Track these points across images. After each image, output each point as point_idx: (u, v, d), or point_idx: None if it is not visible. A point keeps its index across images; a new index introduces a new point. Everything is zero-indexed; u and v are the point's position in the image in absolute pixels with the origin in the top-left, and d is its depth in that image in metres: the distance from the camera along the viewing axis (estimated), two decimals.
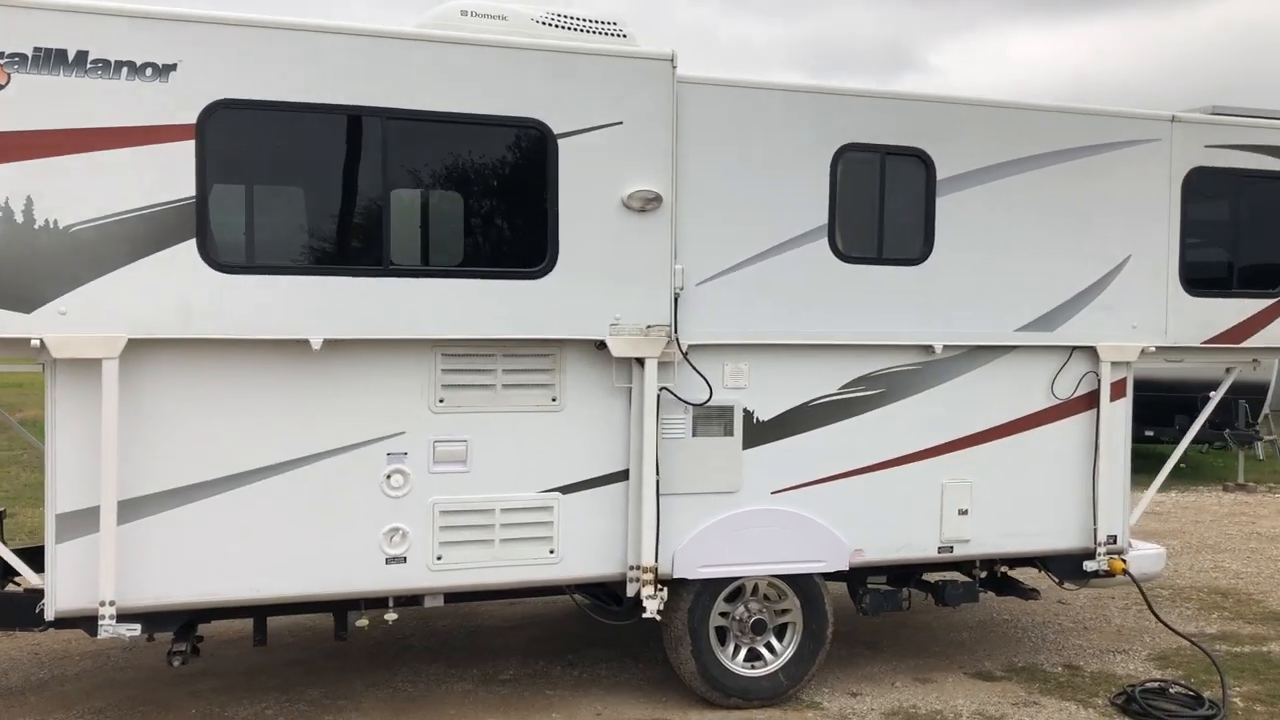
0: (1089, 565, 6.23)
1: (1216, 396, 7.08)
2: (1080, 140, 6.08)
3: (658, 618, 5.46)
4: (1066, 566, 6.31)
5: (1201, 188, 6.33)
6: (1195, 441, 15.02)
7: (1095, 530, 6.21)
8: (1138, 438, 15.35)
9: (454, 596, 5.42)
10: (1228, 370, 7.00)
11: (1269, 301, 6.50)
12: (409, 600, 5.33)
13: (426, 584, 5.20)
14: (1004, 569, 6.48)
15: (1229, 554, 9.73)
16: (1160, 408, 14.20)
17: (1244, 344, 6.49)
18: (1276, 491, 13.83)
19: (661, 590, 5.47)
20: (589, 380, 5.38)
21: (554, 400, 5.33)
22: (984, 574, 6.39)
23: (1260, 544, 10.21)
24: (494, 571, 5.28)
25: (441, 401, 5.17)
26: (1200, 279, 6.38)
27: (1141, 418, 14.38)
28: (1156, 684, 6.11)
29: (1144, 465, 15.31)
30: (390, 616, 5.29)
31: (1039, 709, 5.87)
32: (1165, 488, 13.81)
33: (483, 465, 5.24)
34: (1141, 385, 15.94)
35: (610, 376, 5.40)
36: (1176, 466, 15.93)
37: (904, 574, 6.32)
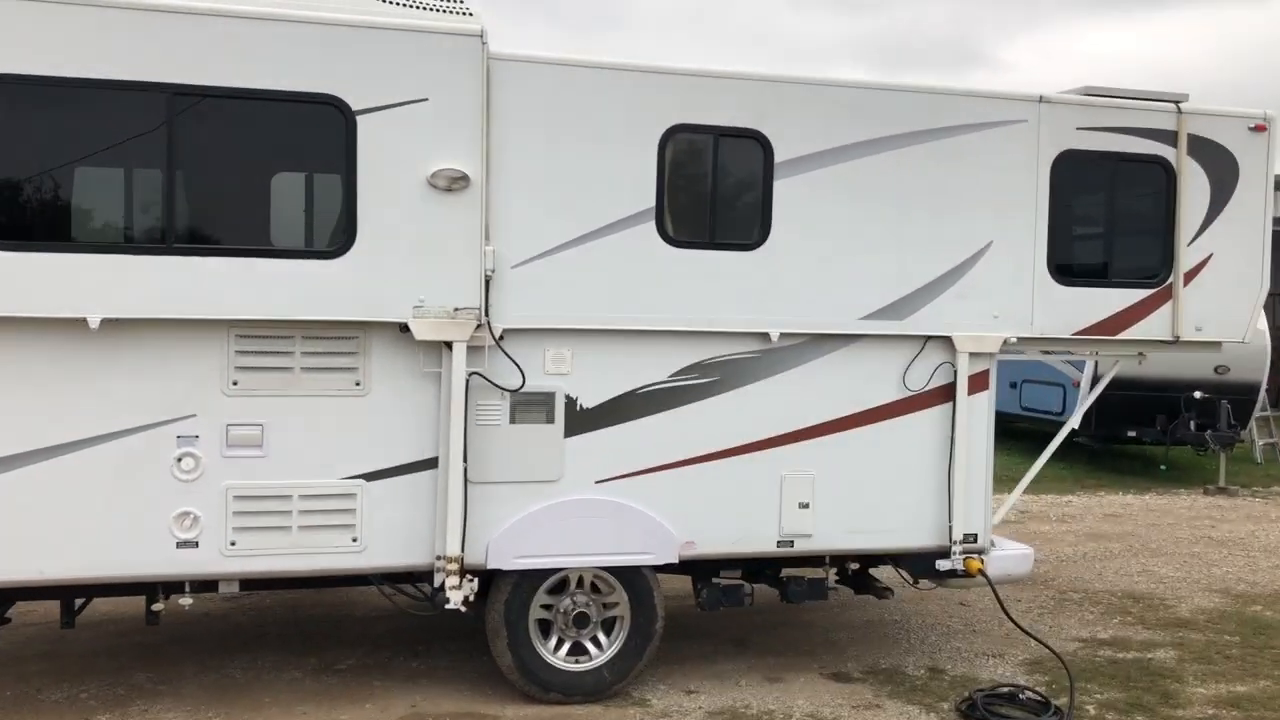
0: (942, 564, 5.98)
1: (1095, 393, 6.79)
2: (938, 121, 5.83)
3: (462, 609, 5.31)
4: (921, 565, 6.06)
5: (1073, 172, 6.05)
6: (1178, 443, 14.64)
7: (950, 528, 5.96)
8: (1119, 438, 14.95)
9: (252, 583, 5.32)
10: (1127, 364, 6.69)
11: (1147, 292, 6.20)
12: (204, 585, 5.24)
13: (219, 569, 5.11)
14: (856, 566, 6.24)
15: (1165, 558, 9.36)
16: (1142, 407, 13.80)
17: (1120, 336, 6.20)
18: (1260, 496, 13.36)
19: (472, 581, 5.34)
20: (397, 365, 5.26)
21: (358, 384, 5.21)
22: (835, 570, 6.17)
23: (1205, 549, 9.82)
24: (291, 559, 5.17)
25: (235, 384, 5.06)
26: (1071, 267, 6.10)
27: (1123, 418, 14.05)
28: (1008, 689, 5.85)
29: (1131, 466, 15.07)
30: (185, 601, 5.21)
31: (878, 712, 5.65)
32: (1141, 490, 13.50)
33: (280, 450, 5.13)
34: (1122, 384, 15.50)
35: (419, 361, 5.27)
36: (1158, 468, 15.39)
37: (757, 569, 6.12)
